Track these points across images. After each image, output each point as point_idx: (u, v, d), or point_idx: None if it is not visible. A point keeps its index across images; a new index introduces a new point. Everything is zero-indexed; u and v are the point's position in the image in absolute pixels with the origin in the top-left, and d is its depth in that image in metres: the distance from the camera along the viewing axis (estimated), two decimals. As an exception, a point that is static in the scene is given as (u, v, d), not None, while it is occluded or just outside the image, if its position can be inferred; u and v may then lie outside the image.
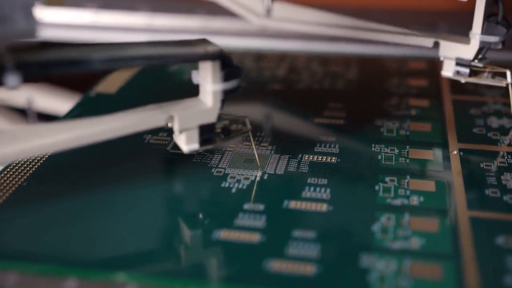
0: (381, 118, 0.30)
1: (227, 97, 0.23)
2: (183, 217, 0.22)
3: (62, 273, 0.19)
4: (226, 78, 0.22)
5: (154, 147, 0.27)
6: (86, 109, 0.31)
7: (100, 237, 0.21)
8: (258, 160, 0.25)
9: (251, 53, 0.39)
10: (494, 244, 0.20)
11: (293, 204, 0.23)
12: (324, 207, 0.22)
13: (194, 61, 0.22)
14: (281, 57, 0.38)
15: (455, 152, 0.26)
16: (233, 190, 0.24)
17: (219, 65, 0.22)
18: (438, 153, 0.26)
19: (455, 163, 0.25)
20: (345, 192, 0.23)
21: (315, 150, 0.27)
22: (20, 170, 0.25)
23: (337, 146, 0.27)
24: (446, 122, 0.29)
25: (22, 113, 0.44)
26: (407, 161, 0.26)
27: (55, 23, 0.43)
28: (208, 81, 0.22)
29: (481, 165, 0.25)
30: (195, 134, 0.23)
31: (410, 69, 0.36)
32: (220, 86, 0.22)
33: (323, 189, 0.24)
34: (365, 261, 0.20)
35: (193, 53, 0.21)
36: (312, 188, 0.24)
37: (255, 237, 0.21)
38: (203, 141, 0.23)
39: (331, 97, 0.32)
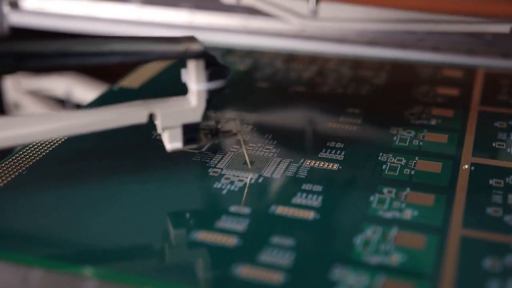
0: (397, 126, 0.28)
1: (213, 97, 0.22)
2: (166, 216, 0.22)
3: (28, 262, 0.20)
4: (211, 77, 0.22)
5: (160, 144, 0.27)
6: (107, 102, 0.31)
7: (75, 231, 0.21)
8: (248, 162, 0.25)
9: (282, 54, 0.38)
10: (479, 267, 0.19)
11: (280, 210, 0.22)
12: (311, 215, 0.22)
13: (175, 58, 0.22)
14: (312, 59, 0.37)
15: (466, 167, 0.25)
16: (224, 192, 0.23)
17: (203, 64, 0.22)
18: (447, 166, 0.25)
19: (463, 178, 0.24)
20: (337, 201, 0.23)
21: (319, 155, 0.26)
22: (24, 159, 0.25)
23: (342, 153, 0.26)
24: (465, 134, 0.28)
25: (62, 103, 0.46)
26: (412, 172, 0.25)
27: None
28: (192, 80, 0.22)
29: (490, 182, 0.24)
30: (179, 132, 0.23)
31: (443, 77, 0.35)
32: (204, 86, 0.22)
33: (315, 196, 0.23)
34: (336, 273, 0.19)
35: (172, 50, 0.21)
36: (304, 195, 0.23)
37: (232, 241, 0.20)
38: (186, 140, 0.23)
39: (352, 102, 0.31)
